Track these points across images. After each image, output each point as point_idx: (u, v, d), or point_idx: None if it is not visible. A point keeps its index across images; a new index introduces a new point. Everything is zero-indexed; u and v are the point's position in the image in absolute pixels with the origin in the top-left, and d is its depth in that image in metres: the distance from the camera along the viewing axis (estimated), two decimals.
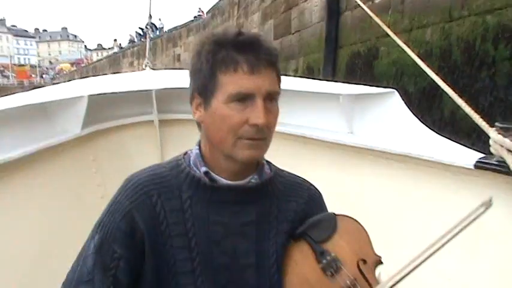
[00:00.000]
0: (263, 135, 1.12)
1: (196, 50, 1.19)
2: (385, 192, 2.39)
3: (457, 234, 1.15)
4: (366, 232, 1.25)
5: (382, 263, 1.22)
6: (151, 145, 3.15)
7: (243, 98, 1.11)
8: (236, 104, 1.11)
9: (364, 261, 1.19)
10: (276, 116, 1.16)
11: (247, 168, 1.20)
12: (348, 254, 1.20)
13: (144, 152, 3.07)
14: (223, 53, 1.13)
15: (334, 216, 1.26)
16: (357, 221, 1.26)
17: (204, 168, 1.20)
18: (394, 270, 1.13)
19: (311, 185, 1.37)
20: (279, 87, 1.18)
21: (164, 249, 1.16)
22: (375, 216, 2.25)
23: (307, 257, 1.21)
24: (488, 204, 1.18)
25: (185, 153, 1.27)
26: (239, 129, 1.11)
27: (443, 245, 1.14)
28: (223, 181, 1.20)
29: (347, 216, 1.27)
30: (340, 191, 2.37)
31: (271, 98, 1.14)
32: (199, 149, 1.24)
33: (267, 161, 1.31)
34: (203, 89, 1.16)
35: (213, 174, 1.19)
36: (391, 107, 2.49)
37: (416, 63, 2.25)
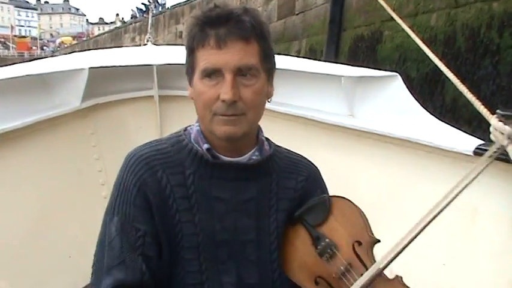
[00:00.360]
0: (236, 111, 1.11)
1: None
2: (383, 175, 2.39)
3: (462, 189, 1.14)
4: (361, 212, 1.25)
5: (379, 241, 1.22)
6: (150, 121, 3.14)
7: (212, 73, 1.11)
8: (208, 80, 1.11)
9: (359, 243, 1.20)
10: (255, 90, 1.14)
11: (240, 144, 1.20)
12: (343, 237, 1.21)
13: (143, 127, 3.07)
14: (196, 29, 1.13)
15: (328, 198, 1.26)
16: (351, 202, 1.27)
17: (206, 145, 1.19)
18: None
19: (309, 162, 1.37)
20: (260, 59, 1.15)
21: (173, 223, 1.16)
22: (373, 199, 2.25)
23: (304, 241, 1.23)
24: (494, 156, 1.16)
25: (185, 129, 1.27)
26: (212, 106, 1.11)
27: (440, 212, 1.14)
28: (225, 158, 1.20)
29: (342, 197, 1.27)
30: (339, 173, 2.37)
31: (246, 72, 1.12)
32: (199, 125, 1.23)
33: (266, 138, 1.30)
34: (188, 65, 1.18)
35: (214, 151, 1.19)
36: (393, 91, 2.48)
37: (420, 49, 2.22)
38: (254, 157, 1.23)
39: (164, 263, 1.17)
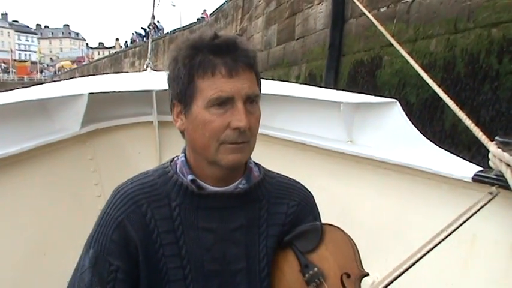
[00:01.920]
0: (246, 138, 1.12)
1: (172, 56, 1.18)
2: (382, 201, 2.38)
3: (459, 226, 1.15)
4: (353, 244, 1.24)
5: (367, 274, 1.21)
6: (150, 146, 3.14)
7: (223, 102, 1.10)
8: (216, 109, 1.10)
9: (348, 275, 1.19)
10: (257, 118, 1.15)
11: (233, 173, 1.20)
12: (331, 267, 1.20)
13: (142, 152, 3.07)
14: (200, 57, 1.12)
15: (321, 226, 1.25)
16: (344, 232, 1.25)
17: (190, 176, 1.19)
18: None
19: (302, 186, 1.36)
20: (259, 89, 1.17)
21: (156, 257, 1.16)
22: (371, 225, 2.25)
23: (293, 267, 1.22)
24: (495, 193, 1.17)
25: (172, 160, 1.26)
26: (221, 134, 1.11)
27: (440, 242, 1.14)
28: (211, 188, 1.19)
29: (335, 227, 1.26)
30: (337, 199, 2.36)
31: (252, 100, 1.13)
32: (185, 156, 1.23)
33: (256, 163, 1.30)
34: (182, 95, 1.15)
35: (199, 181, 1.19)
36: (391, 117, 2.49)
37: (419, 74, 2.25)
38: (241, 186, 1.22)
39: None
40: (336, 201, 2.39)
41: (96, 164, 2.89)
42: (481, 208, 1.20)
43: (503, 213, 1.82)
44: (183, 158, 1.23)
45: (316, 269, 1.19)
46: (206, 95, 1.11)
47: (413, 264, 1.13)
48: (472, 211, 1.20)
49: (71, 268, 2.40)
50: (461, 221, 1.19)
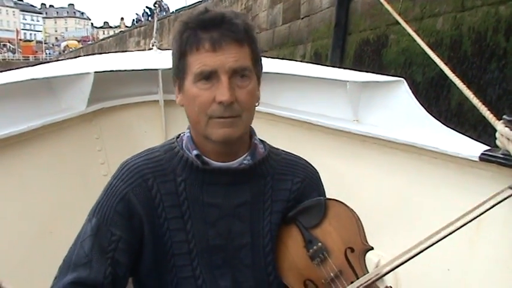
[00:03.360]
0: (233, 112, 1.12)
1: (174, 32, 1.19)
2: (388, 181, 2.38)
3: (476, 217, 1.15)
4: (357, 219, 1.25)
5: (372, 248, 1.22)
6: (155, 125, 3.14)
7: (208, 76, 1.11)
8: (203, 83, 1.12)
9: (352, 250, 1.20)
10: (249, 92, 1.15)
11: (232, 149, 1.20)
12: (336, 242, 1.21)
13: (148, 131, 3.07)
14: (188, 32, 1.13)
15: (325, 201, 1.26)
16: (348, 207, 1.26)
17: (195, 152, 1.20)
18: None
19: (307, 163, 1.36)
20: (252, 61, 1.16)
21: (161, 231, 1.17)
22: (378, 204, 2.25)
23: (297, 243, 1.23)
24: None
25: (178, 136, 1.28)
26: (208, 109, 1.12)
27: (455, 230, 1.14)
28: (215, 163, 1.20)
29: (339, 201, 1.27)
30: (343, 178, 2.36)
31: (241, 74, 1.13)
32: (190, 132, 1.24)
33: (261, 140, 1.31)
34: (177, 71, 1.18)
35: (204, 157, 1.20)
36: (398, 96, 2.47)
37: (426, 53, 2.23)
38: (246, 161, 1.23)
39: (147, 272, 1.19)
40: (342, 180, 2.40)
41: (102, 143, 2.90)
42: (505, 199, 1.19)
43: (510, 192, 1.82)
44: (188, 134, 1.24)
45: (320, 244, 1.20)
46: (192, 69, 1.13)
47: (423, 250, 1.13)
48: (494, 201, 1.19)
49: None
50: (481, 210, 1.18)
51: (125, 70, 2.87)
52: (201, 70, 1.11)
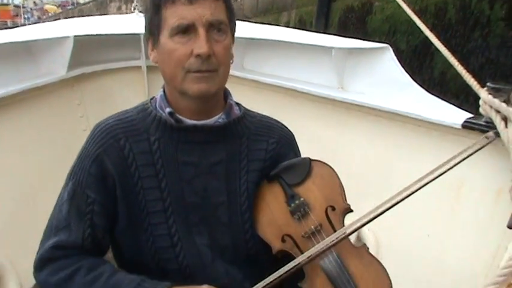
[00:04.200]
0: (211, 66, 1.11)
1: None
2: (372, 148, 2.40)
3: (451, 167, 1.17)
4: (339, 179, 1.26)
5: (351, 211, 1.24)
6: (138, 91, 3.10)
7: (185, 30, 1.10)
8: (180, 37, 1.10)
9: (333, 208, 1.22)
10: (225, 47, 1.14)
11: (207, 106, 1.20)
12: (317, 200, 1.22)
13: (131, 98, 3.02)
14: None
15: (309, 160, 1.27)
16: (331, 168, 1.27)
17: (168, 109, 1.20)
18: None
19: (283, 125, 1.37)
20: (227, 16, 1.15)
21: (135, 190, 1.17)
22: (361, 171, 2.27)
23: (278, 199, 1.24)
24: (491, 138, 1.19)
25: (152, 98, 1.27)
26: (185, 62, 1.10)
27: (424, 185, 1.16)
28: (189, 121, 1.20)
29: (322, 162, 1.28)
30: (327, 145, 2.37)
31: (217, 28, 1.12)
32: (164, 91, 1.24)
33: (237, 103, 1.31)
34: (152, 27, 1.16)
35: (177, 115, 1.19)
36: (383, 63, 2.47)
37: (410, 20, 2.22)
38: (220, 120, 1.23)
39: (122, 232, 1.20)
40: (326, 147, 2.41)
41: (84, 110, 2.87)
42: (475, 152, 1.21)
43: (490, 160, 1.84)
44: (162, 93, 1.24)
45: (302, 199, 1.21)
46: (169, 23, 1.11)
47: (395, 204, 1.15)
48: (465, 154, 1.21)
49: None
50: (451, 164, 1.20)
51: (106, 34, 2.81)
52: (179, 23, 1.09)
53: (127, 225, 1.19)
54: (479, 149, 1.22)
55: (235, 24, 1.22)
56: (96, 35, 2.76)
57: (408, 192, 1.16)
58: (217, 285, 1.17)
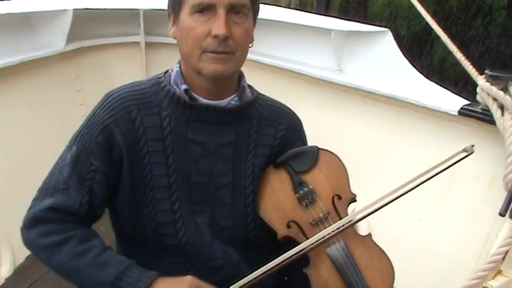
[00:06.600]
0: (228, 48, 1.10)
1: None
2: (369, 131, 2.40)
3: (433, 176, 1.17)
4: (345, 169, 1.27)
5: (355, 200, 1.25)
6: (136, 67, 3.09)
7: (205, 9, 1.08)
8: (199, 16, 1.09)
9: (339, 197, 1.23)
10: (245, 29, 1.13)
11: (221, 86, 1.19)
12: (324, 188, 1.23)
13: (128, 73, 3.01)
14: None
15: (317, 149, 1.27)
16: (338, 158, 1.28)
17: (184, 86, 1.18)
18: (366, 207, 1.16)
19: (292, 112, 1.36)
20: (250, 1, 1.13)
21: (142, 164, 1.16)
22: (357, 154, 2.27)
23: (285, 185, 1.24)
24: (470, 151, 1.19)
25: (166, 72, 1.26)
26: (202, 42, 1.09)
27: (417, 186, 1.17)
28: (203, 100, 1.19)
29: (329, 152, 1.28)
30: (324, 127, 2.37)
31: (237, 10, 1.10)
32: (180, 66, 1.22)
33: (249, 85, 1.30)
34: (173, 2, 1.15)
35: (192, 92, 1.18)
36: (383, 47, 2.46)
37: (411, 6, 2.21)
38: (233, 102, 1.23)
39: (123, 203, 1.19)
40: (322, 129, 2.40)
41: (81, 84, 2.85)
42: (457, 162, 1.22)
43: (485, 147, 1.85)
44: (178, 69, 1.22)
45: (310, 187, 1.22)
46: (189, 1, 1.10)
47: (395, 199, 1.16)
48: (451, 162, 1.21)
49: None
50: (444, 166, 1.20)
51: (106, 9, 2.79)
52: (199, 2, 1.08)
53: (130, 197, 1.18)
54: (461, 159, 1.22)
55: (258, 7, 1.20)
56: (96, 8, 2.73)
57: (417, 182, 1.17)
58: (213, 264, 1.19)
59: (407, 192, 1.17)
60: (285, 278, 1.23)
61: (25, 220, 1.17)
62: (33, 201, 1.19)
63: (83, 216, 1.15)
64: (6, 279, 2.16)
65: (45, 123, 2.58)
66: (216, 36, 1.07)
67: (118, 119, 1.15)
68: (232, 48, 1.10)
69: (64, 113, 2.72)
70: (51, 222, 1.14)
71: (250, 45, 1.19)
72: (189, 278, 1.11)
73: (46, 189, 1.17)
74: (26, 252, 2.31)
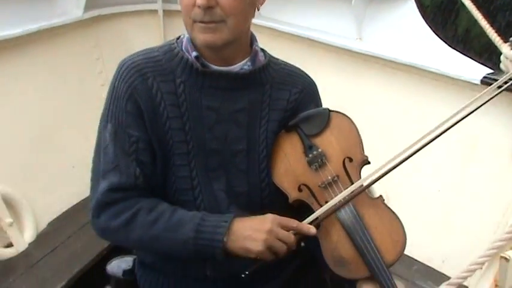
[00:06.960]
0: (214, 17, 1.07)
1: None
2: (388, 100, 2.37)
3: (460, 120, 1.16)
4: (357, 131, 1.25)
5: (369, 162, 1.23)
6: (154, 35, 3.08)
7: None
8: None
9: (350, 159, 1.21)
10: None
11: (230, 53, 1.17)
12: (335, 151, 1.22)
13: (146, 41, 2.98)
14: None
15: (328, 111, 1.26)
16: (350, 119, 1.26)
17: (194, 53, 1.17)
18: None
19: (306, 74, 1.34)
20: None
21: (164, 130, 1.16)
22: (374, 123, 2.25)
23: (296, 149, 1.23)
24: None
25: (178, 38, 1.24)
26: (191, 12, 1.08)
27: (435, 137, 1.15)
28: (214, 67, 1.18)
29: (341, 113, 1.27)
30: (343, 95, 2.35)
31: None
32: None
33: (262, 49, 1.28)
34: None
35: (203, 59, 1.17)
36: (404, 14, 2.41)
37: None
38: (246, 67, 1.21)
39: (158, 168, 1.19)
40: (341, 97, 2.37)
41: (99, 52, 2.85)
42: (486, 102, 1.19)
43: (507, 117, 1.82)
44: (188, 36, 1.20)
45: (320, 150, 1.21)
46: None
47: (413, 154, 1.14)
48: (475, 105, 1.19)
49: (75, 153, 2.45)
50: (463, 114, 1.18)
51: None
52: None
53: (157, 162, 1.19)
54: (491, 98, 1.19)
55: None
56: None
57: (425, 141, 1.15)
58: None
59: (422, 147, 1.15)
60: (302, 244, 1.23)
61: (91, 211, 1.16)
62: (90, 191, 1.19)
63: (142, 188, 1.15)
64: (29, 244, 2.21)
65: (64, 90, 2.60)
66: (198, 6, 1.05)
67: (137, 85, 1.14)
68: (221, 17, 1.07)
69: (83, 81, 2.73)
70: (114, 203, 1.14)
71: (257, 10, 1.16)
72: (269, 217, 1.11)
73: (97, 174, 1.17)
74: (49, 218, 2.39)
